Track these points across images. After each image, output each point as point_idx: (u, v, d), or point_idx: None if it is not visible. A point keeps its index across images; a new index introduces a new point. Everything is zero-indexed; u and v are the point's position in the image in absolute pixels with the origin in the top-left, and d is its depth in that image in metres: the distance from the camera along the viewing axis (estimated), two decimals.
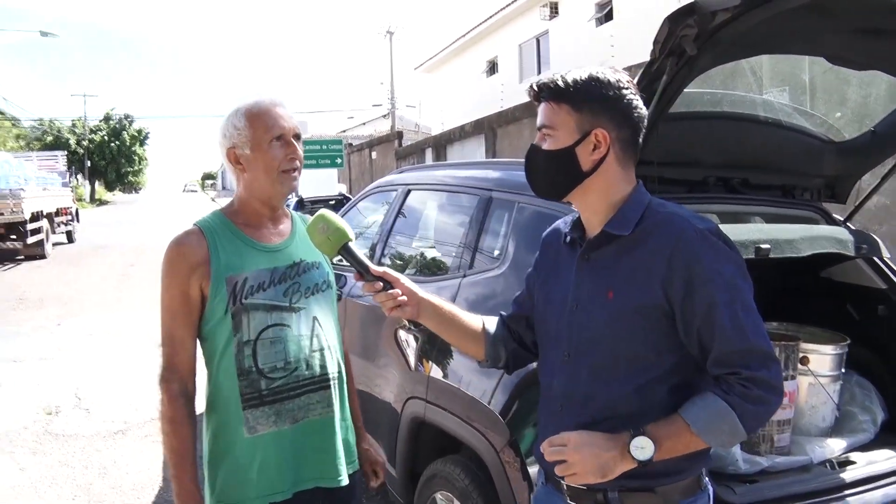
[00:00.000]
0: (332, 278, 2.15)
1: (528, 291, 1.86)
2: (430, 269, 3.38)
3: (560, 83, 1.59)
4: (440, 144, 21.05)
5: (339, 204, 19.32)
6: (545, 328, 1.76)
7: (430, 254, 3.48)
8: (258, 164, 1.98)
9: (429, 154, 21.83)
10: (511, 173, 3.08)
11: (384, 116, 40.19)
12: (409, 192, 3.83)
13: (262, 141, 1.97)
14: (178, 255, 1.94)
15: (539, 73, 23.92)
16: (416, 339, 3.07)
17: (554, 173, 1.64)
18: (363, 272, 1.73)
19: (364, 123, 49.85)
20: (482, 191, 3.12)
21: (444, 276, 3.15)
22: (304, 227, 2.06)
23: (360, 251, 1.77)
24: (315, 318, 2.03)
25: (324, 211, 1.81)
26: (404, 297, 1.73)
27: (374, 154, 28.82)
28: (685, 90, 2.24)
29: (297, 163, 2.02)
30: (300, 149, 2.03)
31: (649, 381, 1.57)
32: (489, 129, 17.06)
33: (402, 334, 3.20)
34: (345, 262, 1.81)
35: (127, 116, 58.02)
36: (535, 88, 1.64)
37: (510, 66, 26.41)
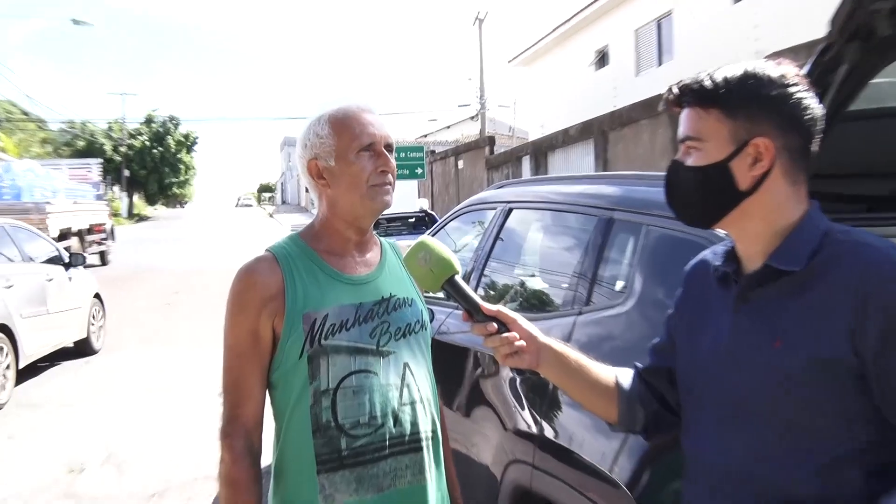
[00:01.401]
0: (426, 318, 2.16)
1: (670, 338, 1.81)
2: (536, 305, 3.37)
3: (707, 83, 1.56)
4: (540, 152, 21.08)
5: (419, 221, 19.53)
6: (691, 384, 1.71)
7: (537, 286, 3.47)
8: (343, 177, 2.01)
9: (526, 163, 21.87)
10: (636, 189, 3.05)
11: (472, 118, 40.60)
12: (510, 211, 3.85)
13: (349, 151, 2.00)
14: (248, 285, 1.98)
15: (660, 64, 23.69)
16: (522, 389, 3.06)
17: (703, 195, 1.60)
18: (473, 311, 1.73)
19: (449, 127, 50.58)
20: (601, 210, 3.10)
21: (555, 312, 3.14)
22: (394, 256, 2.10)
23: (468, 286, 1.76)
24: (406, 365, 2.03)
25: (425, 238, 1.82)
26: (522, 343, 1.72)
27: (460, 163, 29.10)
28: (871, 81, 2.15)
29: (390, 176, 2.05)
30: (393, 160, 2.06)
31: (836, 461, 1.47)
32: (599, 132, 17.01)
33: (505, 384, 3.18)
34: (436, 295, 1.81)
35: (172, 119, 60.46)
36: (677, 91, 1.62)
37: (624, 56, 26.24)
